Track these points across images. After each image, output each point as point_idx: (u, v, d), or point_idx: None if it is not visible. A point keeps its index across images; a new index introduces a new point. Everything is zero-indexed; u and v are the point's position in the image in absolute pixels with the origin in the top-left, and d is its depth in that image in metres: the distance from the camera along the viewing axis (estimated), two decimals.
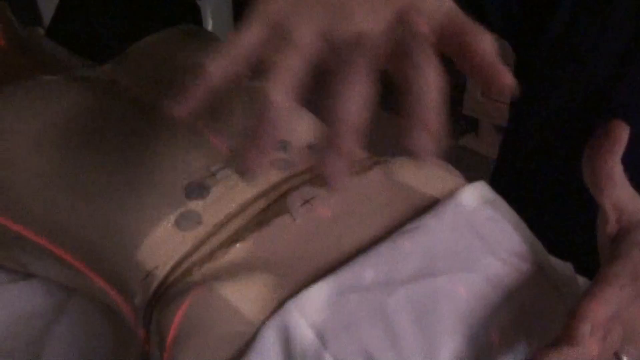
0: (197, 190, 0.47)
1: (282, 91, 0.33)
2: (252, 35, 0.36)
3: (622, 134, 0.40)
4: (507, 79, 0.34)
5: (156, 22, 0.70)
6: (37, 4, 1.23)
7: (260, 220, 0.45)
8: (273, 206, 0.46)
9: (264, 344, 0.37)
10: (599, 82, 0.59)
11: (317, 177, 0.48)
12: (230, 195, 0.47)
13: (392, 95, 0.34)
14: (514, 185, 0.58)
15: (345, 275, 0.40)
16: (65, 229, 0.50)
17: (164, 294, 0.42)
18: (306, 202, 0.46)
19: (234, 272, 0.41)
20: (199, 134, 0.51)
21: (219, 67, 0.36)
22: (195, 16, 0.92)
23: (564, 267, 0.48)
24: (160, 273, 0.43)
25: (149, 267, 0.44)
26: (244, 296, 0.39)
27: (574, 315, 0.34)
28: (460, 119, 2.31)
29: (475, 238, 0.43)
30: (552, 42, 0.61)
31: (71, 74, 0.60)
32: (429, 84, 0.32)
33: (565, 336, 0.34)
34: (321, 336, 0.37)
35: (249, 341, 0.38)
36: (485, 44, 0.34)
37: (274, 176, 0.48)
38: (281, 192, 0.47)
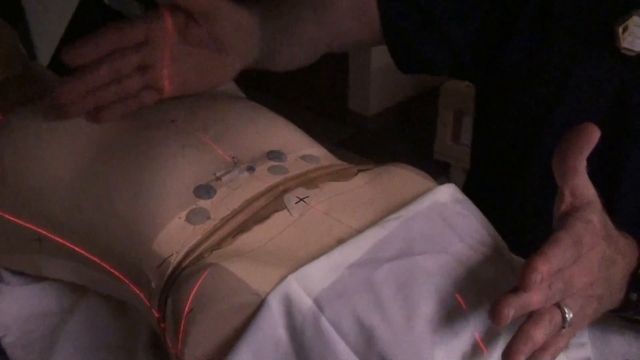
0: (205, 191, 0.54)
1: None
2: None
3: (593, 136, 0.47)
4: None
5: None
6: (32, 40, 1.32)
7: (262, 215, 0.51)
8: (272, 204, 0.53)
9: (269, 311, 0.44)
10: (541, 107, 0.68)
11: (309, 181, 0.55)
12: (234, 195, 0.53)
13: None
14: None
15: (337, 255, 0.47)
16: (88, 230, 0.56)
17: (179, 276, 0.48)
18: (300, 200, 0.53)
19: (241, 254, 0.48)
20: (206, 146, 0.58)
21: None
22: None
23: (521, 261, 0.55)
24: (175, 259, 0.50)
25: (164, 255, 0.50)
26: (250, 272, 0.46)
27: (527, 266, 0.41)
28: (431, 163, 2.41)
29: (447, 227, 0.50)
30: (504, 72, 0.70)
31: None
32: None
33: (520, 283, 0.41)
34: (318, 303, 0.44)
35: (256, 309, 0.44)
36: None
37: (272, 180, 0.55)
38: (278, 192, 0.54)
